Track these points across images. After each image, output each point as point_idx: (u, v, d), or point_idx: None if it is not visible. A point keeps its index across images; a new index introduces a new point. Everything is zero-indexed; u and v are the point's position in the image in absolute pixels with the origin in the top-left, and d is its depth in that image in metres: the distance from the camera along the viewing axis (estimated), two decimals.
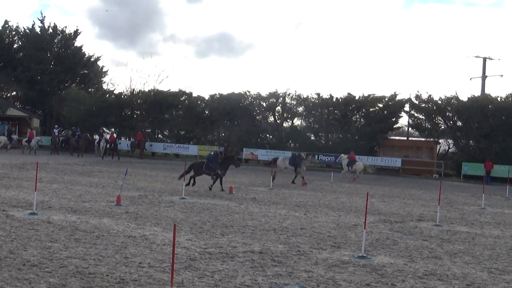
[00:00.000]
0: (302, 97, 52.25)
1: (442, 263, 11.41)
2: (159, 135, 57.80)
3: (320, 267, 10.53)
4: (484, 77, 53.43)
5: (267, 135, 54.16)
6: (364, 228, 12.00)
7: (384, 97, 50.31)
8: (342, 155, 38.32)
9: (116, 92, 58.91)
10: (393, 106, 50.03)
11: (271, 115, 54.33)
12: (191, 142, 54.99)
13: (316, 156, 36.97)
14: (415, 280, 9.87)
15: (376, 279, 9.80)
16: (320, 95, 51.39)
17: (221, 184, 23.80)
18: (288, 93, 52.70)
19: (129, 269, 9.57)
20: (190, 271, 9.67)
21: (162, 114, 55.32)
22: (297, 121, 54.72)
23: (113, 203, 17.52)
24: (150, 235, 12.69)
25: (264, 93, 53.61)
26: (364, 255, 11.61)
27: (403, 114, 51.01)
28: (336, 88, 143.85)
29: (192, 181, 23.82)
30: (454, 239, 14.49)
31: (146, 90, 57.03)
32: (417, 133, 53.03)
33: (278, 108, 53.61)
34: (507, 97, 46.04)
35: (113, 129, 56.45)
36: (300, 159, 30.12)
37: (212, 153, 25.04)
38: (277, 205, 19.80)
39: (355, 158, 37.31)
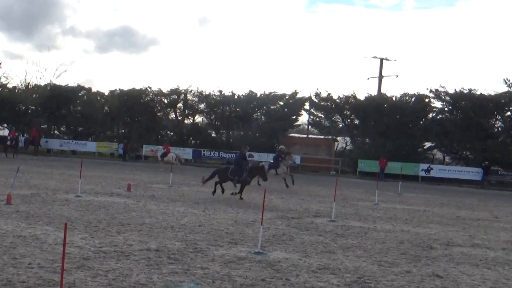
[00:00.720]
0: (204, 94, 52.22)
1: (336, 257, 11.70)
2: (56, 131, 56.01)
3: (217, 263, 10.52)
4: (380, 77, 55.40)
5: (168, 132, 53.77)
6: (261, 224, 12.10)
7: (285, 95, 51.14)
8: (159, 146, 41.08)
9: (9, 86, 56.53)
10: (294, 104, 50.97)
11: (172, 112, 53.94)
12: (89, 139, 53.66)
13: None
14: (309, 275, 10.06)
15: (271, 274, 9.91)
16: (222, 92, 51.64)
17: (241, 192, 22.57)
18: (190, 90, 52.52)
19: (17, 270, 9.18)
20: (82, 270, 9.40)
21: (59, 110, 53.62)
22: (198, 118, 54.68)
23: (2, 202, 16.77)
24: (41, 234, 12.24)
25: (165, 89, 53.17)
26: (261, 251, 11.70)
27: (303, 112, 52.04)
28: (238, 85, 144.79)
29: (218, 187, 22.70)
30: (347, 234, 14.90)
31: (42, 84, 55.11)
32: (316, 130, 54.24)
33: (180, 105, 53.32)
34: (401, 96, 48.01)
35: (5, 125, 54.22)
36: (278, 157, 30.01)
37: (237, 153, 24.43)
38: (176, 203, 19.65)
39: (169, 149, 39.64)
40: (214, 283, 9.14)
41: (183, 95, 52.56)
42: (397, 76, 78.01)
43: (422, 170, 44.53)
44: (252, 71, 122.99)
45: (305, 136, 54.25)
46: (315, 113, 51.07)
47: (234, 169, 22.62)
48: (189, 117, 54.25)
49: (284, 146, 32.23)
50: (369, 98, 48.60)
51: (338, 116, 50.13)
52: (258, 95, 51.06)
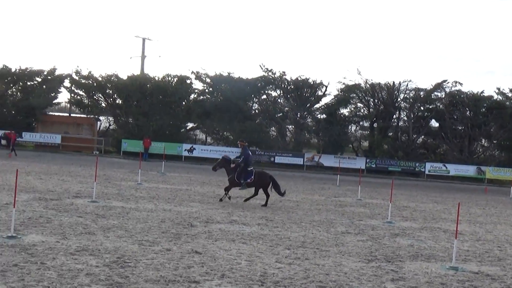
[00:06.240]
0: None
1: (95, 238, 11.40)
2: None
3: None
4: (143, 57, 55.17)
5: None
6: (14, 207, 11.35)
7: (42, 71, 48.61)
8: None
9: None
10: (53, 81, 48.67)
11: None
12: None
13: None
14: (66, 257, 9.65)
15: (25, 259, 9.34)
16: None
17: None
18: None
19: None
20: None
21: None
22: None
23: None
24: None
25: None
26: (14, 235, 10.98)
27: (63, 89, 49.96)
28: None
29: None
30: (109, 214, 14.63)
31: None
32: (78, 109, 52.47)
33: None
34: (164, 77, 48.35)
35: None
36: None
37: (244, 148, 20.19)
38: None
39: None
40: None
41: None
42: (160, 56, 78.50)
43: (185, 150, 45.46)
44: (6, 44, 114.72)
45: (67, 114, 52.21)
46: (76, 91, 49.24)
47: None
48: None
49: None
50: (132, 78, 48.18)
51: (100, 95, 49.00)
52: (13, 70, 47.88)
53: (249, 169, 19.51)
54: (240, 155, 20.14)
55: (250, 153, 20.60)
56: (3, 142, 36.58)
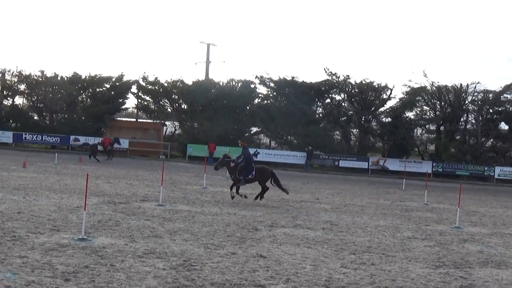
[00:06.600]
0: (24, 74, 49.31)
1: (162, 242, 11.62)
2: None
3: (37, 251, 10.01)
4: (208, 62, 55.83)
5: None
6: (84, 210, 11.70)
7: (111, 77, 49.89)
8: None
9: None
10: (120, 87, 49.89)
11: None
12: None
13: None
14: (134, 260, 9.88)
15: (96, 261, 9.61)
16: (44, 73, 49.13)
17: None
18: (8, 70, 49.32)
19: None
20: None
21: None
22: (18, 100, 51.54)
23: None
24: None
25: None
26: (85, 237, 11.32)
27: (130, 95, 51.14)
28: (61, 66, 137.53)
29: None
30: (175, 218, 14.88)
31: None
32: (145, 114, 53.57)
33: None
34: (228, 82, 48.81)
35: None
36: None
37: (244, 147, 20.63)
38: None
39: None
40: (33, 272, 8.67)
41: (0, 75, 49.23)
42: (224, 61, 79.10)
43: None
44: (75, 51, 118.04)
45: (134, 120, 53.39)
46: (142, 96, 50.34)
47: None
48: (8, 99, 50.85)
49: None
50: (197, 83, 48.88)
51: (166, 100, 49.95)
52: (83, 77, 49.37)
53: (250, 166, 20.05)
54: (240, 154, 20.40)
55: (251, 153, 21.06)
56: (100, 147, 37.74)
